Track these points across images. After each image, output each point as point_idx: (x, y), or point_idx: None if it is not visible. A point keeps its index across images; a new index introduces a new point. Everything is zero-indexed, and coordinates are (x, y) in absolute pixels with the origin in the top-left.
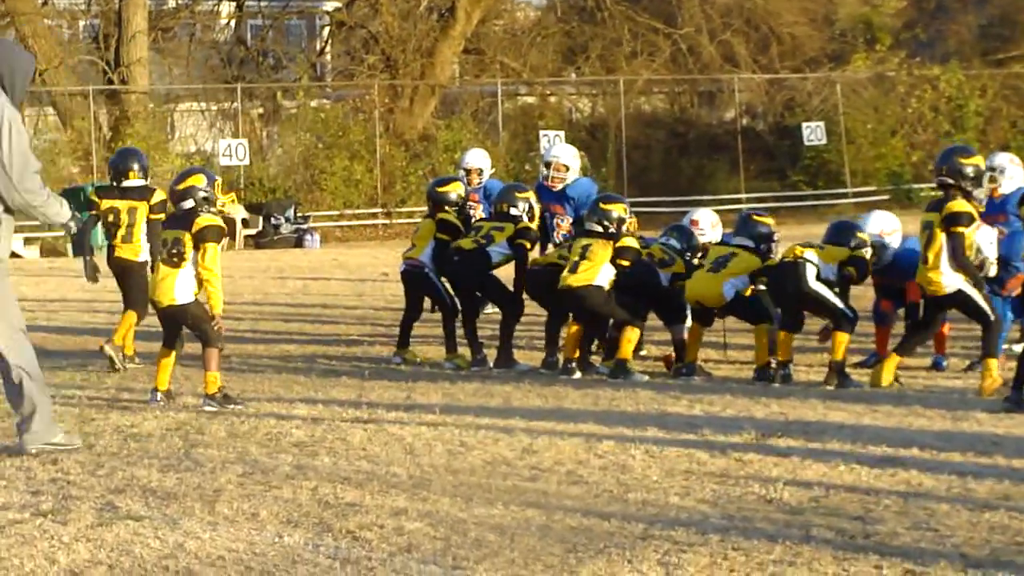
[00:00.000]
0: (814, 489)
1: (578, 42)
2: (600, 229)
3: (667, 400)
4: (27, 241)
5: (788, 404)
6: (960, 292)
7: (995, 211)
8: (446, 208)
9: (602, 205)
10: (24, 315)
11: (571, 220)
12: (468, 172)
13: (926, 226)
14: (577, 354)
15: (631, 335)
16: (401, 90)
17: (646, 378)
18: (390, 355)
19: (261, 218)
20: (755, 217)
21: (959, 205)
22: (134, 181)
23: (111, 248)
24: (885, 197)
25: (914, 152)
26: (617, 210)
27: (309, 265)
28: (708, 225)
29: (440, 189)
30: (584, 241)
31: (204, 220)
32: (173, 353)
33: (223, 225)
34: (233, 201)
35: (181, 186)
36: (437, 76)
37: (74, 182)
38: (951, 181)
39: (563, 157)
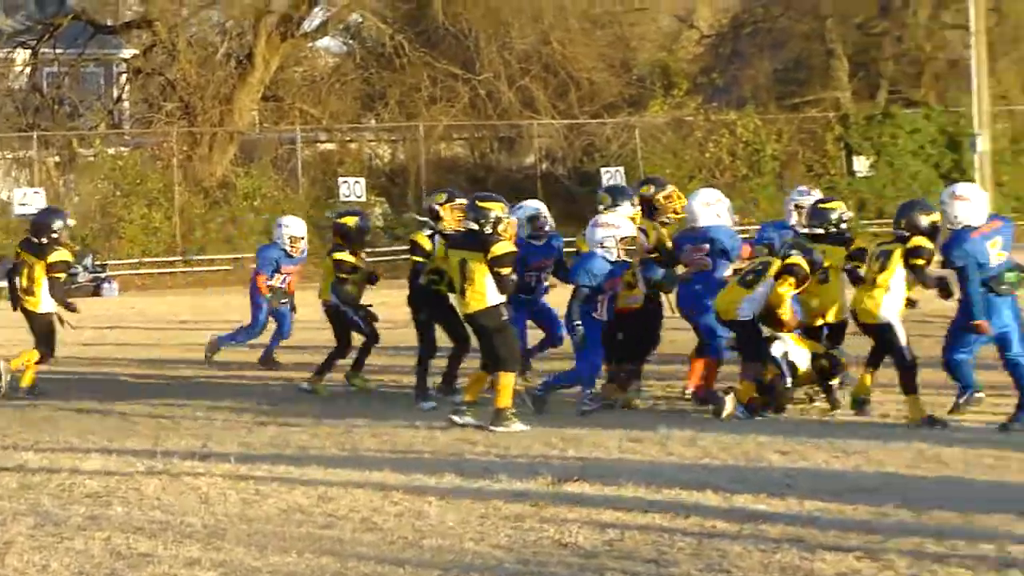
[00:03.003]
0: (609, 532)
1: (377, 88)
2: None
3: (464, 446)
4: None
5: (585, 448)
6: (889, 326)
7: None
8: None
9: (479, 203)
10: None
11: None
12: (292, 240)
13: (880, 255)
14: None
15: (507, 380)
16: (200, 137)
17: (526, 428)
18: (195, 404)
19: None
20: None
21: (923, 241)
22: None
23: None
24: None
25: None
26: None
27: (106, 314)
28: None
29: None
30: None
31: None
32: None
33: None
34: None
35: None
36: (236, 123)
37: None
38: (908, 235)
39: None
